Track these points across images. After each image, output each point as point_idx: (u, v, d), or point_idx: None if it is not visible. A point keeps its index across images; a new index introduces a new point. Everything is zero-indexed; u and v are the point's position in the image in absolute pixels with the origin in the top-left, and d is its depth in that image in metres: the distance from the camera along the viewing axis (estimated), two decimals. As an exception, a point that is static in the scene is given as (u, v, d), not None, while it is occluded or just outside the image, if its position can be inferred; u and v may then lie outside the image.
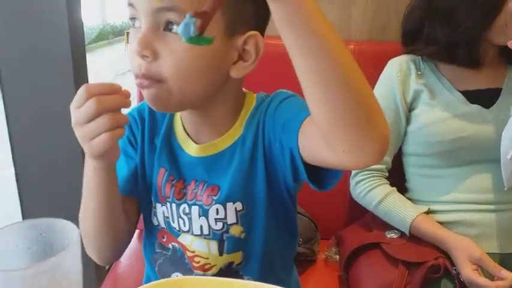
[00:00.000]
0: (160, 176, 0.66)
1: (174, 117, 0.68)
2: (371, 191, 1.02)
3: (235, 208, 0.64)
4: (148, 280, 0.74)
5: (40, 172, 1.13)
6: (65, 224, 0.43)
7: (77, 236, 0.41)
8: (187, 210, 0.65)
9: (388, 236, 1.00)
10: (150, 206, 0.69)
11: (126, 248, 0.70)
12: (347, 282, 1.03)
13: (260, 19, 0.61)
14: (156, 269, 0.71)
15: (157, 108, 0.60)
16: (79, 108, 0.50)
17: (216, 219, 0.64)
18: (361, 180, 1.04)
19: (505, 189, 0.93)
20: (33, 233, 0.44)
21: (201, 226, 0.65)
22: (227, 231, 0.65)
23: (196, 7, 0.42)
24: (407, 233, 0.98)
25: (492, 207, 0.97)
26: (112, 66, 10.18)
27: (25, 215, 1.18)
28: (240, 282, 0.53)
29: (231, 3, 0.56)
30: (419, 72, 1.04)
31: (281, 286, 0.48)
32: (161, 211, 0.68)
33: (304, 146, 0.54)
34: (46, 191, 1.15)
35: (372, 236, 1.02)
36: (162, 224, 0.68)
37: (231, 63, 0.59)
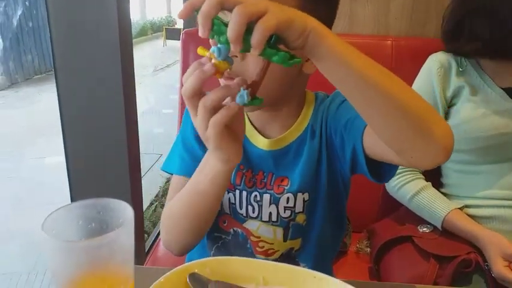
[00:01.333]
0: None
1: None
2: (405, 184, 1.04)
3: (303, 198, 0.70)
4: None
5: (88, 160, 1.21)
6: (120, 204, 0.49)
7: (131, 214, 0.46)
8: (258, 198, 0.70)
9: (421, 230, 1.01)
10: None
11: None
12: (378, 274, 1.06)
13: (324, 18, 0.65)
14: (212, 252, 0.76)
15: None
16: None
17: (285, 207, 0.70)
18: (397, 174, 1.05)
19: None
20: (92, 212, 0.49)
21: (270, 213, 0.70)
22: (294, 219, 0.71)
23: None
24: (439, 227, 0.98)
25: None
26: (152, 61, 10.46)
27: (73, 199, 1.26)
28: (273, 263, 0.57)
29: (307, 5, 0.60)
30: (460, 69, 1.03)
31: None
32: (227, 198, 0.72)
33: (371, 148, 0.59)
34: (93, 178, 1.22)
35: (404, 229, 1.04)
36: (226, 210, 0.73)
37: (304, 61, 0.64)
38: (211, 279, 0.54)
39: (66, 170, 1.19)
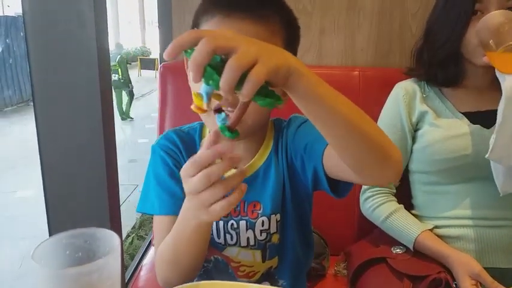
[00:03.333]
0: None
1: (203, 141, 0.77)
2: (379, 206, 1.08)
3: (276, 219, 0.74)
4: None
5: (66, 191, 1.21)
6: (106, 232, 0.51)
7: (117, 241, 0.49)
8: (235, 225, 0.74)
9: (394, 251, 1.05)
10: None
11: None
12: (354, 295, 1.09)
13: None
14: (196, 279, 0.77)
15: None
16: (191, 178, 0.51)
17: (261, 230, 0.74)
18: (370, 197, 1.10)
19: (501, 195, 0.97)
20: (79, 241, 0.51)
21: (248, 238, 0.74)
22: (269, 240, 0.75)
23: None
24: (411, 249, 1.03)
25: (493, 223, 1.01)
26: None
27: (51, 231, 1.24)
28: (257, 286, 0.59)
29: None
30: (424, 95, 1.10)
31: None
32: None
33: (330, 169, 0.64)
34: (71, 209, 1.21)
35: (378, 251, 1.07)
36: None
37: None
38: (196, 303, 0.56)
39: (37, 203, 1.18)
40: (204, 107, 0.51)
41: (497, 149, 0.93)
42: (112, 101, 1.17)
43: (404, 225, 1.04)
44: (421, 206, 1.12)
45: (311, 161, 0.67)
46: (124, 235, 2.88)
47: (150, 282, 1.18)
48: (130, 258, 2.39)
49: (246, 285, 0.59)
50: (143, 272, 1.22)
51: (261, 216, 0.73)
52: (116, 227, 1.19)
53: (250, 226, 0.74)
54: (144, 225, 3.14)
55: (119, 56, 7.43)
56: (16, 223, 3.26)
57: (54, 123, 1.12)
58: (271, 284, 0.77)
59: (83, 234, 0.51)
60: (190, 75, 0.44)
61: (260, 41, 0.46)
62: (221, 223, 0.74)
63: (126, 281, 1.27)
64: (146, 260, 1.29)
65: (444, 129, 1.04)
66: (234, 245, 0.75)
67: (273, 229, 0.75)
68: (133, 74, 9.62)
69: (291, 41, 0.72)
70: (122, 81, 7.49)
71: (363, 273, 1.07)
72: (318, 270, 1.16)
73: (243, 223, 0.74)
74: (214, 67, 0.44)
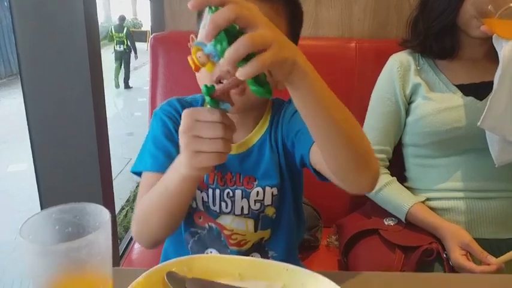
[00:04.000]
0: None
1: None
2: None
3: (272, 192, 0.76)
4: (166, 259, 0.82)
5: (57, 165, 1.20)
6: (96, 207, 0.50)
7: (107, 216, 0.48)
8: (231, 194, 0.76)
9: (386, 223, 1.06)
10: None
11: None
12: (346, 265, 1.10)
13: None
14: (190, 245, 0.80)
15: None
16: (203, 122, 0.53)
17: (255, 200, 0.76)
18: None
19: (496, 166, 0.98)
20: (69, 216, 0.50)
21: (242, 207, 0.76)
22: (263, 211, 0.77)
23: None
24: (403, 220, 1.04)
25: (483, 194, 1.02)
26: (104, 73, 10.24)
27: (43, 206, 1.24)
28: (248, 258, 0.60)
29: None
30: (418, 68, 1.09)
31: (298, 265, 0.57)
32: (200, 196, 0.77)
33: (315, 163, 0.67)
34: (63, 184, 1.21)
35: (370, 222, 1.09)
36: (200, 207, 0.78)
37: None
38: (189, 276, 0.56)
39: (30, 177, 1.18)
40: (199, 61, 0.50)
41: (490, 118, 0.93)
42: (101, 73, 1.14)
43: (396, 197, 1.05)
44: (414, 179, 1.13)
45: (299, 150, 0.70)
46: (118, 208, 2.90)
47: (144, 254, 1.19)
48: (125, 230, 2.42)
49: (230, 257, 0.59)
50: (137, 245, 1.23)
51: (256, 187, 0.76)
52: (109, 200, 1.19)
53: (246, 195, 0.76)
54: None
55: (126, 28, 8.17)
56: (10, 197, 3.27)
57: (42, 97, 1.10)
58: (261, 256, 0.79)
59: (73, 209, 0.50)
60: (202, 33, 0.43)
61: (279, 30, 0.46)
62: (217, 191, 0.76)
63: (120, 253, 1.28)
64: (140, 233, 1.29)
65: (436, 102, 1.04)
66: (229, 213, 0.77)
67: (267, 201, 0.76)
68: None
69: (294, 23, 0.74)
70: (127, 51, 8.26)
71: (355, 245, 1.09)
72: (311, 242, 1.17)
73: (238, 192, 0.76)
74: (227, 34, 0.44)
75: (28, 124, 1.12)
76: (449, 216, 1.03)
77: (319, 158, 0.63)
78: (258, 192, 0.76)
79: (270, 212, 0.78)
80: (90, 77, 1.08)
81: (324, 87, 0.50)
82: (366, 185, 0.60)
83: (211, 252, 0.79)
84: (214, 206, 0.77)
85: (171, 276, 0.55)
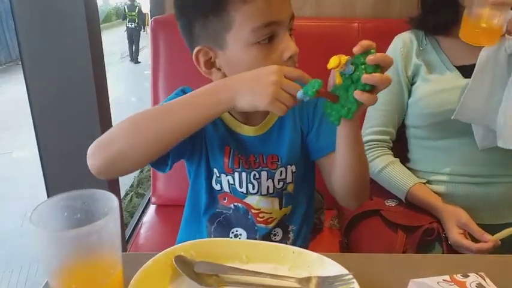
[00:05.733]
0: (227, 153, 0.79)
1: None
2: (375, 159, 1.09)
3: (292, 170, 0.81)
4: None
5: (62, 151, 1.20)
6: (104, 194, 0.50)
7: (115, 202, 0.49)
8: (257, 176, 0.80)
9: (387, 204, 1.07)
10: (211, 174, 0.81)
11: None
12: (347, 246, 1.12)
13: None
14: (214, 226, 0.84)
15: None
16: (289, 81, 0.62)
17: (279, 179, 0.80)
18: (367, 150, 1.10)
19: (479, 149, 0.99)
20: (78, 203, 0.51)
21: (268, 187, 0.81)
22: (285, 189, 0.82)
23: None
24: (403, 200, 1.05)
25: (481, 179, 1.02)
26: (118, 48, 10.17)
27: (49, 193, 1.25)
28: (254, 242, 0.61)
29: None
30: (421, 48, 1.08)
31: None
32: (226, 180, 0.80)
33: (323, 165, 0.79)
34: (68, 170, 1.21)
35: (371, 203, 1.09)
36: (226, 189, 0.81)
37: None
38: (197, 260, 0.57)
39: (34, 163, 1.18)
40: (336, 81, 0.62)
41: (466, 111, 0.95)
42: (103, 57, 1.14)
43: (398, 177, 1.06)
44: (416, 160, 1.13)
45: (318, 145, 0.79)
46: (123, 193, 2.92)
47: (150, 239, 1.20)
48: (130, 215, 2.44)
49: (236, 241, 0.60)
50: (143, 230, 1.25)
51: (279, 167, 0.80)
52: (114, 186, 1.20)
53: (270, 176, 0.80)
54: (142, 183, 3.17)
55: (137, 7, 9.26)
56: (15, 184, 3.29)
57: (45, 84, 1.10)
58: (282, 230, 0.84)
59: (81, 195, 0.51)
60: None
61: None
62: (244, 174, 0.79)
63: (127, 238, 1.30)
64: (146, 218, 1.31)
65: (434, 83, 1.04)
66: (256, 193, 0.80)
67: (289, 179, 0.81)
68: (124, 30, 9.38)
69: None
70: (137, 28, 9.26)
71: (356, 226, 1.10)
72: (316, 225, 1.19)
73: (264, 173, 0.79)
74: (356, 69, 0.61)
75: (31, 111, 1.12)
76: (449, 200, 1.03)
77: (327, 168, 0.77)
78: (281, 171, 0.80)
79: (291, 188, 0.82)
80: (91, 61, 1.07)
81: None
82: (353, 206, 0.80)
83: (237, 231, 0.83)
84: (241, 188, 0.80)
85: (179, 260, 0.56)
